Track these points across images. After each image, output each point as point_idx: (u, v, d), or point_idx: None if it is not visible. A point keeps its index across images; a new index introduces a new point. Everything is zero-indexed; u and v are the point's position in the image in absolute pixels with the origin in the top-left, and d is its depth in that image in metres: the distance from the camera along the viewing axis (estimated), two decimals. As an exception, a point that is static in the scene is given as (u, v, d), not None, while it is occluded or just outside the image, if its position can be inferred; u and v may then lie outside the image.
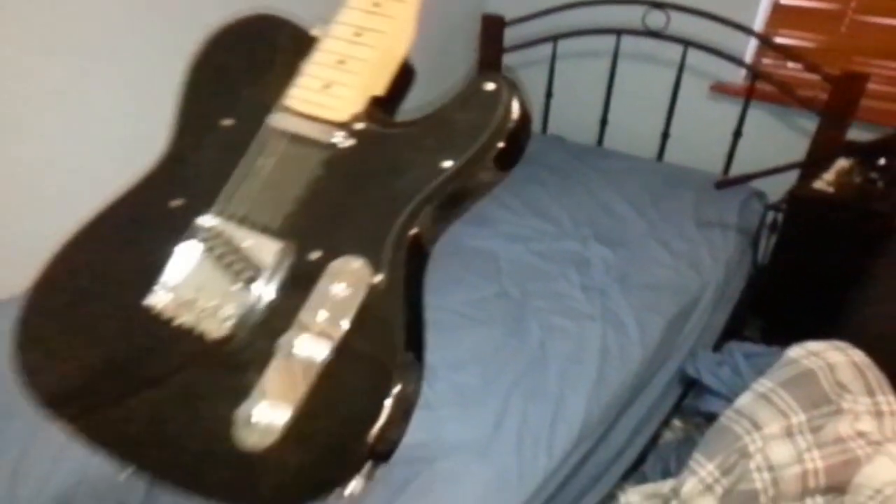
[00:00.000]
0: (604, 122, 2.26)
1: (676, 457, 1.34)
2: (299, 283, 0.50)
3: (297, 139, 0.55)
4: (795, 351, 1.11)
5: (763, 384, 1.09)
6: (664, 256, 1.61)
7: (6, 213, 1.35)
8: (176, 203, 0.55)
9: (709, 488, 1.03)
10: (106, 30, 1.39)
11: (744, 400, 1.09)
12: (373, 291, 0.48)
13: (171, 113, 0.61)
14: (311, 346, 0.47)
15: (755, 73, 1.92)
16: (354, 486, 0.44)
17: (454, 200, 0.52)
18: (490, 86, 0.53)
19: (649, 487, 1.13)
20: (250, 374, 0.47)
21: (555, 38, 2.19)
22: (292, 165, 0.54)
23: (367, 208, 0.52)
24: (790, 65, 1.95)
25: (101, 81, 1.41)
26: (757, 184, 1.90)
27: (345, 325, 0.47)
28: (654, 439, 1.46)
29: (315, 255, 0.51)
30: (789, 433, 1.03)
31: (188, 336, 0.50)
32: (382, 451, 0.45)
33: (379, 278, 0.49)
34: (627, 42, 2.08)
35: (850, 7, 1.82)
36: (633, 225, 1.75)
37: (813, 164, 1.71)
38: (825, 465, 0.98)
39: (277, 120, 0.56)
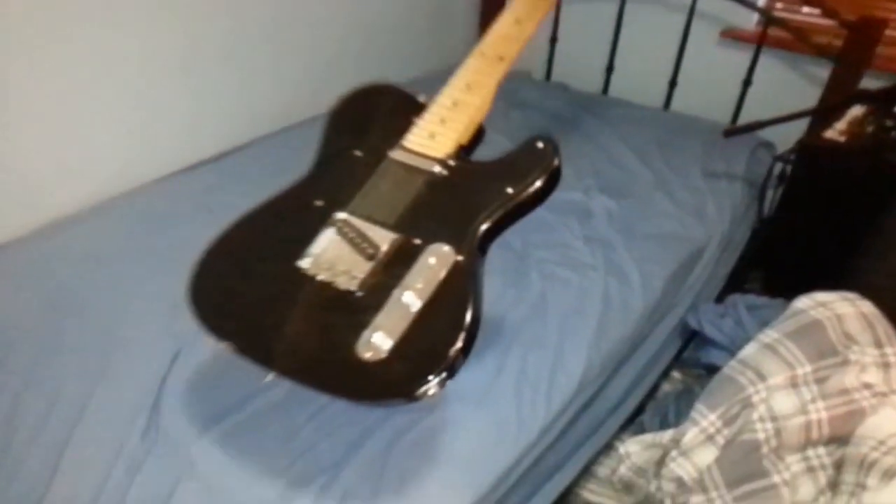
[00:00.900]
0: (609, 69, 2.19)
1: (675, 408, 1.34)
2: (405, 259, 0.75)
3: (408, 167, 0.82)
4: (803, 302, 1.08)
5: (769, 335, 1.06)
6: (669, 207, 1.58)
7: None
8: (319, 203, 0.81)
9: (710, 438, 1.02)
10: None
11: (749, 351, 1.07)
12: (454, 267, 0.73)
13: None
14: (411, 298, 0.71)
15: (768, 18, 1.85)
16: (432, 391, 0.66)
17: (508, 214, 0.79)
18: (540, 144, 0.83)
19: (648, 438, 1.12)
20: (368, 314, 0.70)
21: (560, -19, 2.11)
22: (404, 184, 0.81)
23: (454, 214, 0.78)
24: (805, 10, 1.88)
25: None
26: (765, 134, 1.85)
27: (433, 287, 0.72)
28: (653, 391, 1.46)
29: (417, 241, 0.76)
30: (794, 384, 1.02)
31: (326, 287, 0.74)
32: (452, 370, 0.67)
33: (460, 258, 0.74)
34: (635, -15, 2.01)
35: (870, -52, 1.75)
36: (637, 175, 1.70)
37: (826, 110, 1.66)
38: (829, 416, 0.97)
39: (396, 154, 0.85)
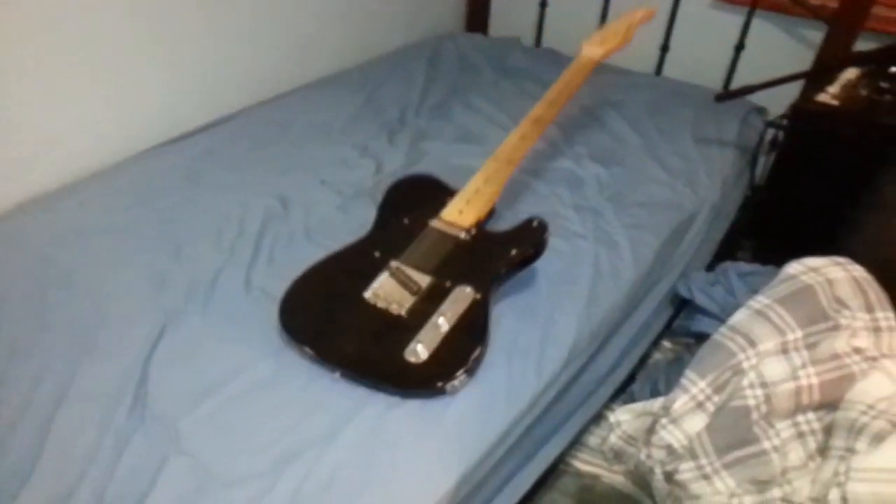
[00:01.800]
0: (600, 34, 2.15)
1: (665, 377, 1.34)
2: (439, 295, 1.01)
3: (442, 233, 1.10)
4: (794, 267, 1.08)
5: (759, 301, 1.06)
6: (660, 174, 1.56)
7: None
8: (377, 254, 1.07)
9: (700, 405, 1.02)
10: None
11: (739, 317, 1.06)
12: (473, 302, 1.01)
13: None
14: (443, 322, 0.98)
15: (761, -21, 1.81)
16: (456, 385, 0.93)
17: (510, 269, 1.08)
18: (535, 223, 1.11)
19: (639, 406, 1.12)
20: (412, 332, 0.96)
21: (549, -57, 2.06)
22: (439, 244, 1.08)
23: (474, 266, 1.06)
24: (799, -30, 1.84)
25: None
26: (758, 101, 1.83)
27: (458, 315, 0.99)
28: (644, 360, 1.46)
29: (448, 283, 1.03)
30: (784, 350, 1.01)
31: (382, 312, 1.00)
32: (471, 370, 0.95)
33: (478, 296, 1.01)
34: (627, -54, 1.96)
35: None
36: (628, 142, 1.68)
37: (821, 72, 1.64)
38: (819, 381, 0.97)
39: (434, 223, 1.12)
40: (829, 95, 1.55)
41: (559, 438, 1.19)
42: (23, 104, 1.32)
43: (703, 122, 1.76)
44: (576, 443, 1.32)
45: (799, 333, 1.02)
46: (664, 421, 1.04)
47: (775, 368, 1.00)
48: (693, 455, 0.99)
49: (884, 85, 1.47)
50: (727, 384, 1.02)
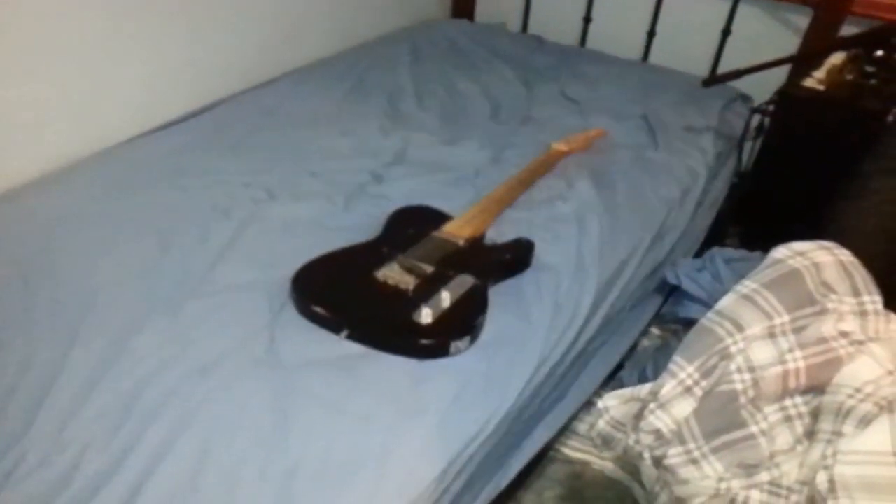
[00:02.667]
0: (587, 19, 2.14)
1: (654, 363, 1.34)
2: (441, 280, 1.10)
3: (444, 240, 1.21)
4: (781, 251, 1.07)
5: (747, 285, 1.06)
6: (646, 162, 1.56)
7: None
8: (385, 249, 1.17)
9: (688, 390, 1.02)
10: None
11: (726, 301, 1.06)
12: (474, 286, 1.10)
13: None
14: (446, 297, 1.06)
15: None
16: (460, 347, 1.01)
17: (501, 272, 1.17)
18: (525, 240, 1.22)
19: (627, 392, 1.12)
20: (418, 302, 1.04)
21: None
22: (441, 247, 1.19)
23: (472, 265, 1.15)
24: (785, -45, 1.84)
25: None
26: (744, 88, 1.83)
27: (460, 294, 1.08)
28: (632, 347, 1.46)
29: (450, 272, 1.12)
30: (772, 334, 1.02)
31: (392, 287, 1.08)
32: (474, 337, 1.04)
33: (477, 283, 1.10)
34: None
35: None
36: (615, 130, 1.67)
37: (807, 56, 1.64)
38: (806, 365, 0.97)
39: (438, 232, 1.23)
40: (815, 80, 1.55)
41: (549, 425, 1.19)
42: (3, 93, 1.29)
43: (690, 108, 1.76)
44: (565, 430, 1.32)
45: (786, 317, 1.02)
46: (652, 406, 1.04)
47: (763, 353, 1.00)
48: (681, 440, 0.99)
49: (869, 69, 1.47)
50: (715, 369, 1.02)
